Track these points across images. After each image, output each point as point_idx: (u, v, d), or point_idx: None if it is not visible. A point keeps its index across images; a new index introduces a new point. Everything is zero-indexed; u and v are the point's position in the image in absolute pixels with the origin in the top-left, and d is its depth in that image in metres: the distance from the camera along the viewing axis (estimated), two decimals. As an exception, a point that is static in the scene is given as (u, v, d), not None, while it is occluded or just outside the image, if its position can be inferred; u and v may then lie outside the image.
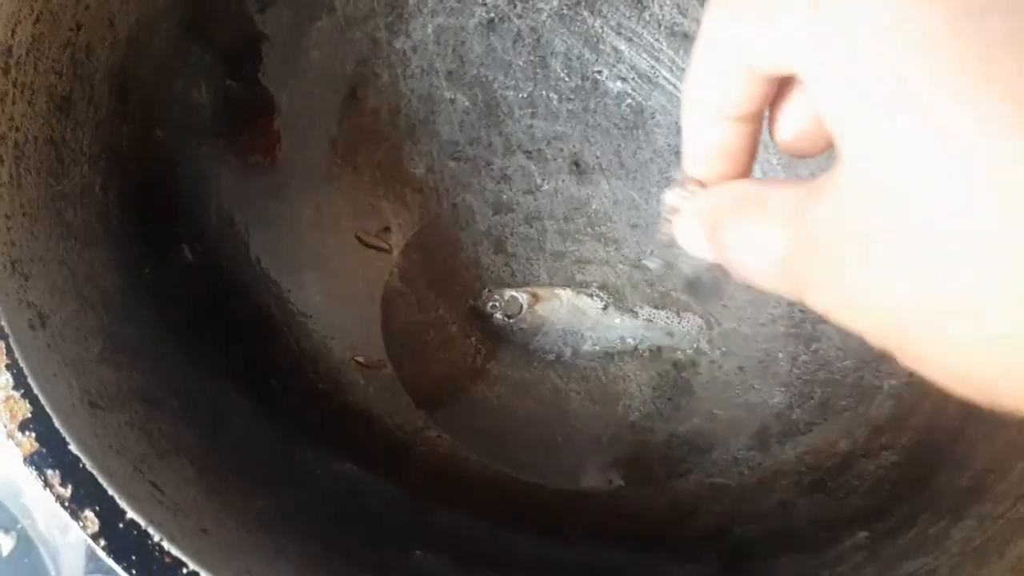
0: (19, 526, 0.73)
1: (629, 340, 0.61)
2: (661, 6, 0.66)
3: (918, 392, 0.53)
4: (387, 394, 0.58)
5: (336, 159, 0.63)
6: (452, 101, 0.66)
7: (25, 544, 0.73)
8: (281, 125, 0.61)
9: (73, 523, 0.66)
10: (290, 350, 0.57)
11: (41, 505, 0.72)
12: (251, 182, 0.59)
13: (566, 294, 0.62)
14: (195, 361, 0.49)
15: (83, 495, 0.36)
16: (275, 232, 0.59)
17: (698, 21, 0.62)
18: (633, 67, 0.66)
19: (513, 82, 0.66)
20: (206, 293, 0.54)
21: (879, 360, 0.56)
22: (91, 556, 0.56)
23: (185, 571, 0.36)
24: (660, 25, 0.66)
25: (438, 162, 0.65)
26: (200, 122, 0.57)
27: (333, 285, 0.60)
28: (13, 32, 0.44)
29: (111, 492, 0.36)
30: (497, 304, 0.61)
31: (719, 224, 0.28)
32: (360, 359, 0.59)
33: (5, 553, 0.73)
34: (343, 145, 0.64)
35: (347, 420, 0.56)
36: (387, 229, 0.63)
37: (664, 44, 0.66)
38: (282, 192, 0.60)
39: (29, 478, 0.69)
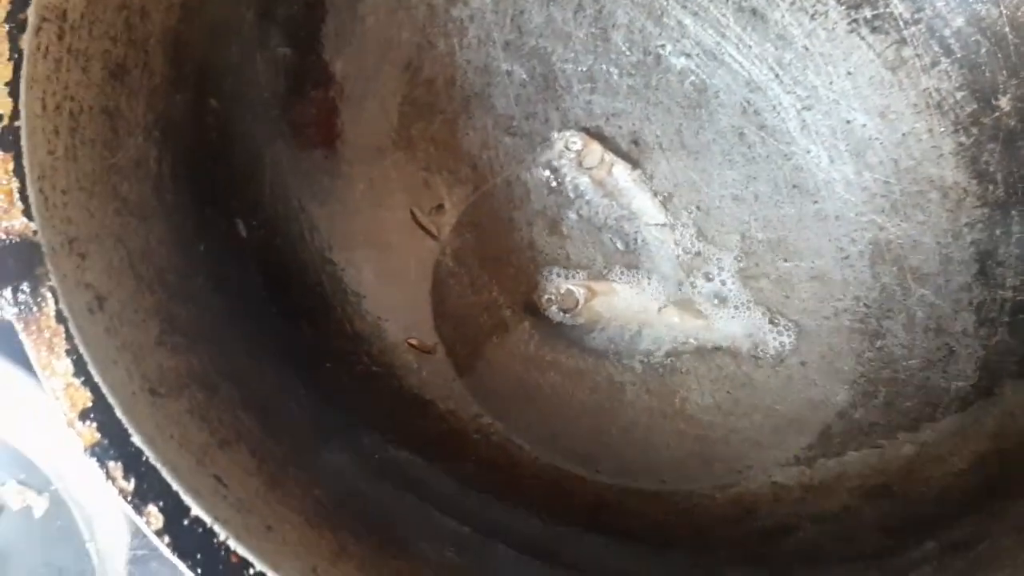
0: (52, 488, 0.73)
1: (691, 340, 0.60)
2: (730, -21, 0.63)
3: (988, 396, 0.52)
4: (440, 378, 0.57)
5: (390, 132, 0.61)
6: (509, 73, 0.64)
7: (58, 506, 0.73)
8: (335, 95, 0.59)
9: (109, 488, 0.66)
10: (344, 332, 0.56)
11: (75, 467, 0.71)
12: (304, 155, 0.58)
13: (624, 288, 0.60)
14: (250, 343, 0.48)
15: (146, 489, 0.36)
16: (328, 207, 0.58)
17: (767, -3, 0.60)
18: (698, 43, 0.64)
19: (572, 55, 0.64)
20: (260, 271, 0.52)
21: (947, 360, 0.55)
22: (136, 532, 0.55)
23: (252, 571, 0.35)
24: (728, 0, 0.63)
25: (493, 137, 0.63)
26: (254, 91, 0.55)
27: (386, 263, 0.59)
28: (69, -6, 0.42)
29: (175, 487, 0.36)
30: (553, 298, 0.60)
31: None
32: (413, 341, 0.58)
33: (38, 515, 0.73)
34: (397, 117, 0.62)
35: (401, 405, 0.55)
36: (440, 207, 0.61)
37: (731, 20, 0.64)
38: (335, 166, 0.59)
39: (62, 438, 0.70)
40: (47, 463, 0.73)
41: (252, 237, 0.53)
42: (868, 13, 0.62)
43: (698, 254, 0.62)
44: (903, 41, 0.61)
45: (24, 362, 0.72)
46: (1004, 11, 0.58)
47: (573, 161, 0.62)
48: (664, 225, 0.62)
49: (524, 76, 0.64)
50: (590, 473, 0.56)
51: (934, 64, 0.60)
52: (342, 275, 0.58)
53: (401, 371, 0.57)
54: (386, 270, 0.60)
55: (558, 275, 0.61)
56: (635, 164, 0.63)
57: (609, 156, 0.62)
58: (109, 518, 0.69)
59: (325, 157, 0.59)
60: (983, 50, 0.58)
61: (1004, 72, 0.58)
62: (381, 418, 0.53)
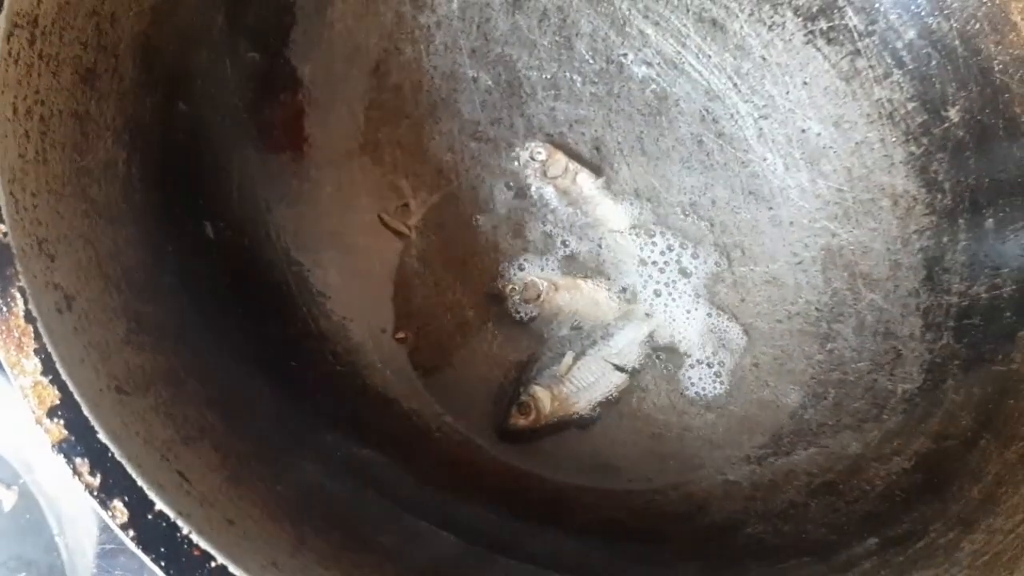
0: (21, 481, 0.73)
1: (648, 341, 0.61)
2: (690, -10, 0.65)
3: (932, 399, 0.54)
4: (404, 378, 0.58)
5: (358, 136, 0.62)
6: (475, 79, 0.65)
7: (27, 500, 0.73)
8: (303, 99, 0.60)
9: (76, 483, 0.66)
10: (309, 331, 0.56)
11: (44, 461, 0.71)
12: (272, 158, 0.59)
13: (587, 286, 0.62)
14: (216, 342, 0.49)
15: (112, 484, 0.36)
16: (296, 209, 0.59)
17: (727, 8, 0.62)
18: (659, 52, 0.65)
19: (537, 62, 0.66)
20: (227, 272, 0.53)
21: (894, 363, 0.57)
22: (104, 527, 0.56)
23: (213, 564, 0.36)
24: (688, 10, 0.65)
25: (459, 142, 0.64)
26: (223, 95, 0.56)
27: (352, 264, 0.60)
28: (40, 1, 0.43)
29: (140, 482, 0.36)
30: (516, 288, 0.61)
31: None
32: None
33: (7, 508, 0.73)
34: (364, 121, 0.63)
35: (365, 403, 0.56)
36: (406, 206, 0.62)
37: (692, 30, 0.65)
38: (303, 169, 0.60)
39: (32, 432, 0.70)
40: (16, 457, 0.73)
41: (219, 238, 0.54)
42: (824, 25, 0.63)
43: (656, 259, 0.63)
44: (857, 52, 0.63)
45: (-7, 358, 0.72)
46: (954, 25, 0.59)
47: (538, 171, 0.63)
48: (625, 231, 0.63)
49: (490, 82, 0.65)
50: (548, 471, 0.58)
51: (887, 75, 0.62)
52: (308, 275, 0.59)
53: (366, 370, 0.58)
54: (352, 270, 0.60)
55: (521, 269, 0.63)
56: (598, 170, 0.64)
57: (573, 165, 0.63)
58: (78, 512, 0.69)
59: (293, 160, 0.60)
60: (933, 62, 0.60)
61: (953, 84, 0.60)
62: (345, 416, 0.54)
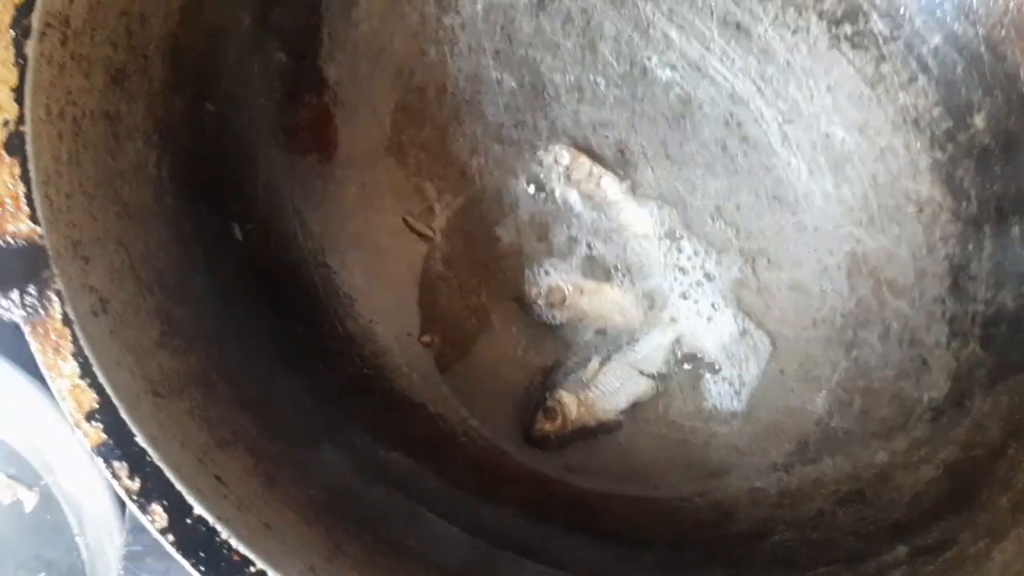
0: (43, 482, 0.74)
1: (673, 346, 0.61)
2: (715, -7, 0.65)
3: (959, 407, 0.54)
4: (430, 382, 0.58)
5: (382, 138, 0.62)
6: (499, 81, 0.65)
7: (48, 501, 0.73)
8: (329, 101, 0.60)
9: (98, 484, 0.66)
10: (336, 333, 0.57)
11: (66, 462, 0.72)
12: (298, 159, 0.59)
13: (612, 290, 0.62)
14: (245, 344, 0.49)
15: (150, 489, 0.37)
16: (321, 211, 0.59)
17: (751, 12, 0.61)
18: (683, 55, 0.65)
19: (561, 65, 0.65)
20: (255, 273, 0.53)
21: (920, 371, 0.57)
22: (132, 529, 0.56)
23: (252, 569, 0.36)
24: (712, 14, 0.65)
25: (482, 144, 0.64)
26: (249, 96, 0.56)
27: (377, 266, 0.60)
28: (71, 1, 0.43)
29: (178, 486, 0.37)
30: (540, 292, 0.61)
31: None
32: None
33: (28, 509, 0.73)
34: (389, 123, 0.63)
35: (391, 407, 0.56)
36: (431, 209, 0.62)
37: (716, 34, 0.65)
38: (328, 170, 0.60)
39: (53, 433, 0.70)
40: (38, 458, 0.74)
41: (247, 239, 0.54)
42: (849, 29, 0.63)
43: (681, 265, 0.63)
44: (882, 57, 0.63)
45: (16, 358, 0.72)
46: (980, 31, 0.59)
47: (562, 174, 0.63)
48: (650, 236, 0.63)
49: (513, 85, 0.65)
50: (574, 476, 0.58)
51: (912, 81, 0.62)
52: (334, 277, 0.59)
53: (392, 374, 0.58)
54: (377, 273, 0.61)
55: (546, 273, 0.63)
56: (622, 174, 0.64)
57: (597, 169, 0.63)
58: (99, 513, 0.70)
59: (318, 161, 0.60)
60: (959, 68, 0.60)
61: (979, 90, 0.60)
62: (372, 419, 0.54)
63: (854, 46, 0.63)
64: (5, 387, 0.71)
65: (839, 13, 0.63)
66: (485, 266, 0.63)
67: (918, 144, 0.62)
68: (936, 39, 0.61)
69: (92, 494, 0.70)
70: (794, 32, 0.64)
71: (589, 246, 0.63)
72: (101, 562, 0.70)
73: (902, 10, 0.62)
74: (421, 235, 0.62)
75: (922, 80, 0.62)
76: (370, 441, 0.52)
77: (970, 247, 0.59)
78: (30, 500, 0.73)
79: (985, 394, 0.54)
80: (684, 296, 0.63)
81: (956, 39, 0.60)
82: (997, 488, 0.49)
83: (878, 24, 0.63)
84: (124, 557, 0.56)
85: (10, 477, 0.74)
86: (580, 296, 0.61)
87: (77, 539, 0.72)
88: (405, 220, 0.62)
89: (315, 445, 0.49)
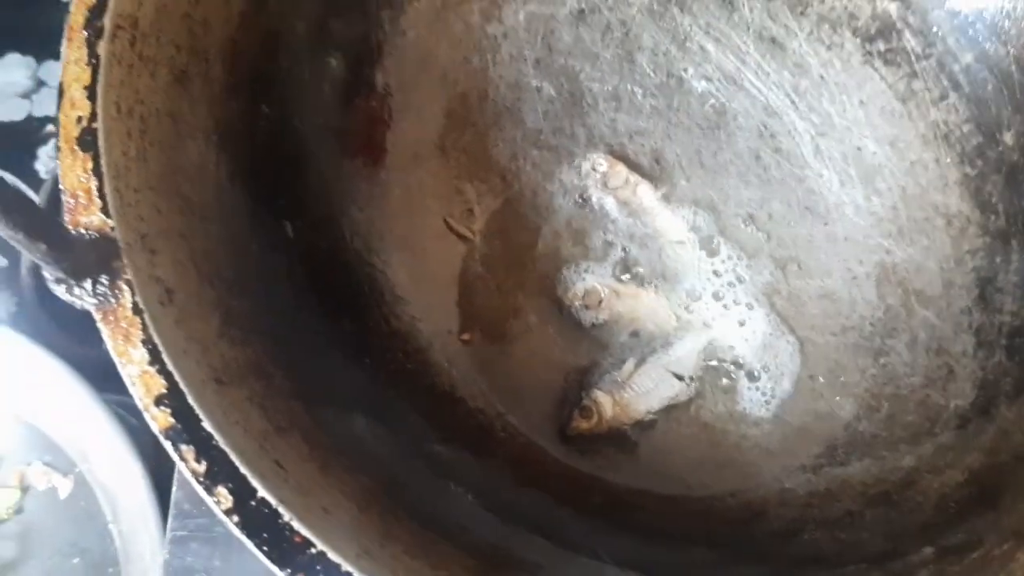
0: (77, 470, 0.75)
1: (706, 350, 0.63)
2: (751, 9, 0.66)
3: (984, 415, 0.55)
4: (469, 378, 0.59)
5: (426, 141, 0.64)
6: (538, 89, 0.67)
7: (82, 488, 0.74)
8: (377, 105, 0.62)
9: (134, 472, 0.68)
10: (381, 330, 0.58)
11: (100, 450, 0.73)
12: (347, 161, 0.60)
13: (647, 294, 0.63)
14: (297, 336, 0.51)
15: (216, 472, 0.38)
16: (367, 212, 0.60)
17: (787, 27, 0.63)
18: (719, 68, 0.67)
19: (599, 74, 0.67)
20: (306, 270, 0.55)
21: (946, 379, 0.58)
22: (176, 515, 0.57)
23: (313, 551, 0.37)
24: (749, 28, 0.66)
25: (521, 149, 0.66)
26: (301, 99, 0.58)
27: (420, 266, 0.62)
28: (139, 4, 0.45)
29: (243, 470, 0.38)
30: (577, 294, 0.62)
31: None
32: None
33: (63, 496, 0.74)
34: (433, 128, 0.64)
35: (434, 401, 0.57)
36: (470, 211, 0.64)
37: (751, 47, 0.67)
38: (374, 172, 0.61)
39: (88, 421, 0.71)
40: (72, 446, 0.75)
41: (298, 237, 0.55)
42: (882, 46, 0.65)
43: (715, 269, 0.64)
44: (914, 74, 0.64)
45: (51, 345, 0.74)
46: (1011, 50, 0.61)
47: (599, 181, 0.65)
48: (684, 242, 0.64)
49: (553, 92, 0.67)
50: (609, 474, 0.59)
51: (943, 97, 0.63)
52: (379, 276, 0.60)
53: (434, 369, 0.59)
54: (420, 272, 0.62)
55: (583, 276, 0.64)
56: (657, 182, 0.66)
57: (634, 177, 0.65)
58: (133, 501, 0.71)
59: (365, 164, 0.62)
60: (990, 86, 0.61)
61: (1009, 108, 0.61)
62: (416, 412, 0.55)
63: (887, 62, 0.65)
64: (42, 376, 0.72)
65: (873, 30, 0.65)
66: (523, 267, 0.64)
67: (948, 159, 0.63)
68: (968, 57, 0.62)
69: (126, 482, 0.70)
70: (828, 48, 0.66)
71: (625, 250, 0.65)
72: (135, 549, 0.71)
73: (935, 29, 0.63)
74: (461, 236, 0.64)
75: (953, 97, 0.63)
76: (414, 433, 0.54)
77: (997, 260, 0.60)
78: (65, 487, 0.74)
79: (1010, 403, 0.56)
80: (717, 300, 0.64)
81: (987, 58, 0.62)
82: (1021, 493, 0.50)
83: (911, 42, 0.64)
84: (169, 541, 0.58)
85: (45, 464, 0.75)
86: (616, 299, 0.62)
87: (111, 526, 0.73)
88: (446, 221, 0.64)
89: (364, 434, 0.50)
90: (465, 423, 0.58)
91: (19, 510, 0.74)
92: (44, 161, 0.98)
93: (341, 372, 0.53)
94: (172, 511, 0.58)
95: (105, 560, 0.73)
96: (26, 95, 1.01)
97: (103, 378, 0.71)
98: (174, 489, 0.59)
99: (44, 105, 1.01)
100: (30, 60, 1.02)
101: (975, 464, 0.54)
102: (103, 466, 0.74)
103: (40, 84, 1.02)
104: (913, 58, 0.64)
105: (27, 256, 0.85)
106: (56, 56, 1.01)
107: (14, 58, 1.02)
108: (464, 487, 0.52)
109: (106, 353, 0.81)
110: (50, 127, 0.99)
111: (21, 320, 0.84)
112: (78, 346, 0.81)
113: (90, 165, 0.41)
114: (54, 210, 0.45)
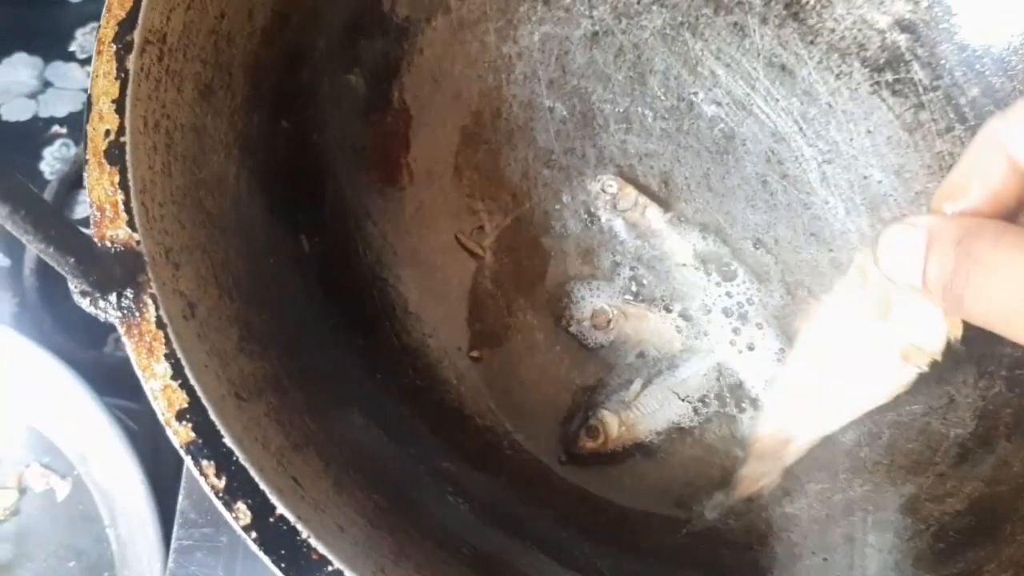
0: (75, 472, 0.75)
1: (712, 372, 0.63)
2: (762, 36, 0.67)
3: (984, 445, 0.56)
4: (478, 395, 0.60)
5: (439, 158, 0.65)
6: (551, 109, 0.67)
7: (80, 491, 0.74)
8: (392, 120, 0.63)
9: (132, 476, 0.68)
10: (392, 345, 0.59)
11: (99, 454, 0.73)
12: (363, 176, 0.61)
13: (654, 316, 0.64)
14: (312, 351, 0.51)
15: (236, 487, 0.38)
16: (380, 227, 0.61)
17: (797, 55, 0.64)
18: (729, 93, 0.68)
19: (611, 96, 0.68)
20: (320, 284, 0.55)
21: (947, 408, 0.59)
22: (183, 524, 0.58)
23: (330, 568, 0.38)
24: (759, 55, 0.67)
25: (533, 168, 0.67)
26: (320, 115, 0.59)
27: (430, 283, 0.62)
28: (168, 19, 0.46)
29: (262, 486, 0.38)
30: (585, 314, 0.63)
31: (968, 250, 0.31)
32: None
33: (60, 498, 0.75)
34: (447, 145, 0.65)
35: (443, 418, 0.58)
36: (481, 228, 0.65)
37: (761, 74, 0.67)
38: (388, 188, 0.62)
39: (88, 424, 0.72)
40: (71, 448, 0.75)
41: (314, 253, 0.56)
42: (890, 77, 0.66)
43: (724, 293, 0.65)
44: (921, 105, 0.65)
45: (53, 346, 0.74)
46: (1017, 85, 0.62)
47: (608, 202, 0.66)
48: (691, 265, 0.65)
49: (565, 113, 0.68)
50: (614, 495, 0.59)
51: (949, 130, 0.64)
52: (391, 291, 0.61)
53: (443, 386, 0.60)
54: (430, 289, 0.63)
55: (591, 296, 0.65)
56: (666, 204, 0.66)
57: (643, 199, 0.65)
58: (131, 505, 0.71)
59: (380, 179, 0.62)
60: (995, 121, 0.62)
61: (1012, 142, 0.62)
62: (425, 429, 0.56)
63: (894, 93, 0.66)
64: (43, 377, 0.72)
65: (881, 61, 0.66)
66: (531, 286, 0.65)
67: (952, 190, 0.64)
68: (974, 91, 0.63)
69: (125, 486, 0.70)
70: (837, 76, 0.67)
71: (633, 272, 0.65)
72: (131, 554, 0.71)
73: (943, 61, 0.64)
74: (472, 253, 0.65)
75: (959, 129, 0.64)
76: (423, 450, 0.54)
77: (999, 292, 0.61)
78: (62, 489, 0.74)
79: (1010, 433, 0.56)
80: (725, 322, 0.64)
81: (994, 92, 0.63)
82: (1021, 524, 0.51)
83: (919, 73, 0.65)
84: (174, 551, 0.58)
85: (43, 466, 0.75)
86: (624, 320, 0.63)
87: (108, 530, 0.73)
88: (457, 238, 0.65)
89: (374, 452, 0.51)
90: (473, 440, 0.58)
91: (16, 512, 0.74)
92: (49, 162, 0.98)
93: (354, 387, 0.53)
94: (178, 520, 0.58)
95: (101, 564, 0.73)
96: (32, 95, 1.01)
97: (104, 381, 0.71)
98: (180, 499, 0.60)
99: (50, 106, 1.00)
100: (37, 60, 1.02)
101: (975, 494, 0.55)
102: (102, 470, 0.74)
103: (46, 85, 1.01)
104: (921, 89, 0.65)
105: (30, 256, 0.86)
106: (63, 56, 1.02)
107: (21, 58, 1.02)
108: (470, 504, 0.52)
109: (108, 356, 0.82)
110: (56, 128, 0.99)
111: (23, 321, 0.84)
112: (80, 348, 0.81)
113: (117, 179, 0.41)
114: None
